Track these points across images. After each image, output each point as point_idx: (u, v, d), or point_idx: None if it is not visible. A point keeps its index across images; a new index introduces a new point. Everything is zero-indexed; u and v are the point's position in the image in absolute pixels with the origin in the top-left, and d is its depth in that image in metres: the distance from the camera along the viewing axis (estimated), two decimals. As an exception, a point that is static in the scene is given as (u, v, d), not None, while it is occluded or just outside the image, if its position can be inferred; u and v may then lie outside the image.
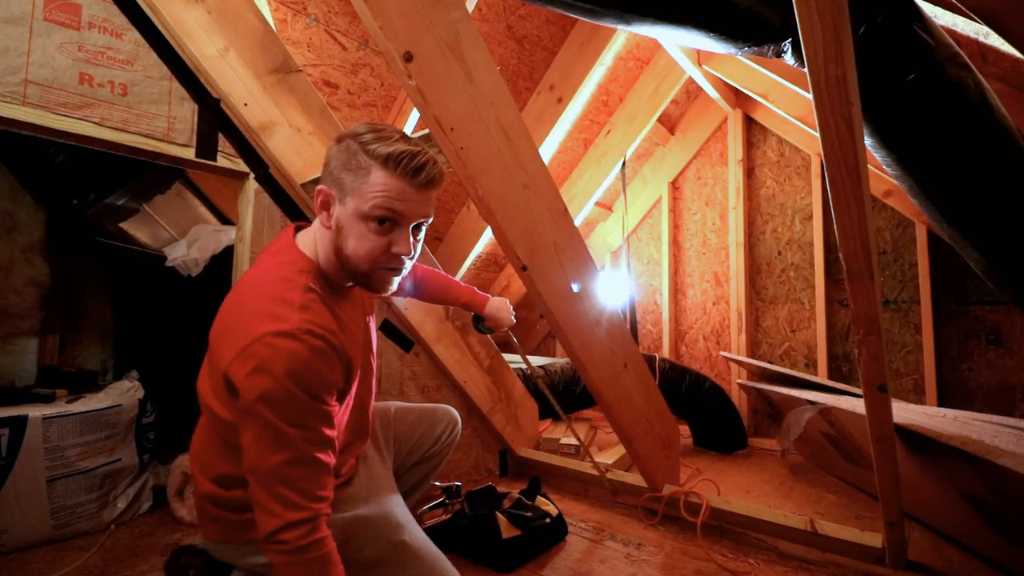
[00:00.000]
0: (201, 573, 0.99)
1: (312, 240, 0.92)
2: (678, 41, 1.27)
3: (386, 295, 0.95)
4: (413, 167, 0.84)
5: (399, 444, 1.27)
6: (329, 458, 0.80)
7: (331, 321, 0.84)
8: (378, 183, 0.83)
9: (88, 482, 1.52)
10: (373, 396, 1.11)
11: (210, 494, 0.90)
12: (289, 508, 0.74)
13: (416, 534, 1.01)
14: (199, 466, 0.93)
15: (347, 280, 0.94)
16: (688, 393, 2.63)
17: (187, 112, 1.46)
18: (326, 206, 0.88)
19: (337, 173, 0.86)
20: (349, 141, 0.86)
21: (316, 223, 0.93)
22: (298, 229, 0.98)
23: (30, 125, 1.24)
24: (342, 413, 0.94)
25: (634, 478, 1.85)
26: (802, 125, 2.65)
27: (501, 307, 1.45)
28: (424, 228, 0.92)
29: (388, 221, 0.85)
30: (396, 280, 0.93)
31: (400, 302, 1.80)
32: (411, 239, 0.89)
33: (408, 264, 0.91)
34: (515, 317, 1.49)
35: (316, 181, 1.50)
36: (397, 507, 1.05)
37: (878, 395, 1.18)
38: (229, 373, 0.77)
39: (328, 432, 0.80)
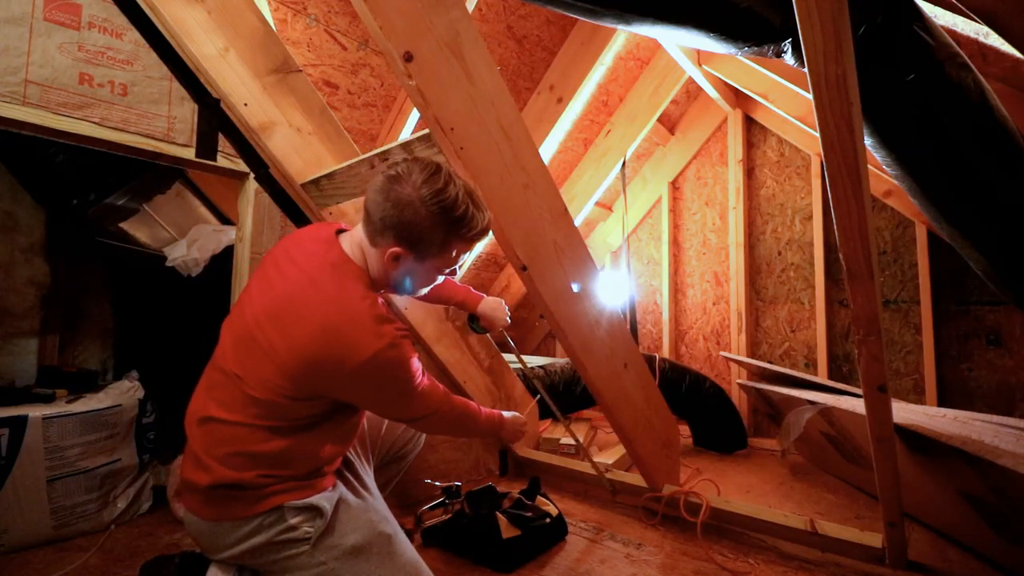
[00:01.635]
0: (177, 572, 1.00)
1: (360, 254, 1.01)
2: (678, 41, 1.27)
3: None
4: (481, 236, 1.01)
5: (374, 443, 1.31)
6: (430, 379, 1.06)
7: (397, 319, 0.98)
8: (456, 250, 1.00)
9: (88, 482, 1.52)
10: None
11: (223, 481, 0.92)
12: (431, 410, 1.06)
13: (399, 531, 1.05)
14: (208, 448, 0.94)
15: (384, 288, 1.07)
16: (688, 393, 2.63)
17: (187, 112, 1.46)
18: (397, 259, 0.97)
19: (417, 238, 0.95)
20: (440, 216, 0.94)
21: (359, 235, 1.01)
22: (338, 232, 1.06)
23: (30, 125, 1.24)
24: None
25: (634, 478, 1.85)
26: (802, 125, 2.65)
27: (496, 307, 1.48)
28: None
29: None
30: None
31: (400, 301, 1.80)
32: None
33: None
34: (512, 317, 1.50)
35: (316, 181, 1.51)
36: (381, 503, 1.11)
37: (878, 395, 1.18)
38: (346, 384, 0.93)
39: (428, 377, 1.06)
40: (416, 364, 1.00)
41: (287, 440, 0.94)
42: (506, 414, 1.30)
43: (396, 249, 0.95)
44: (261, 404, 0.93)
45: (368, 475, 1.18)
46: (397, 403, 1.02)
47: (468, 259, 3.13)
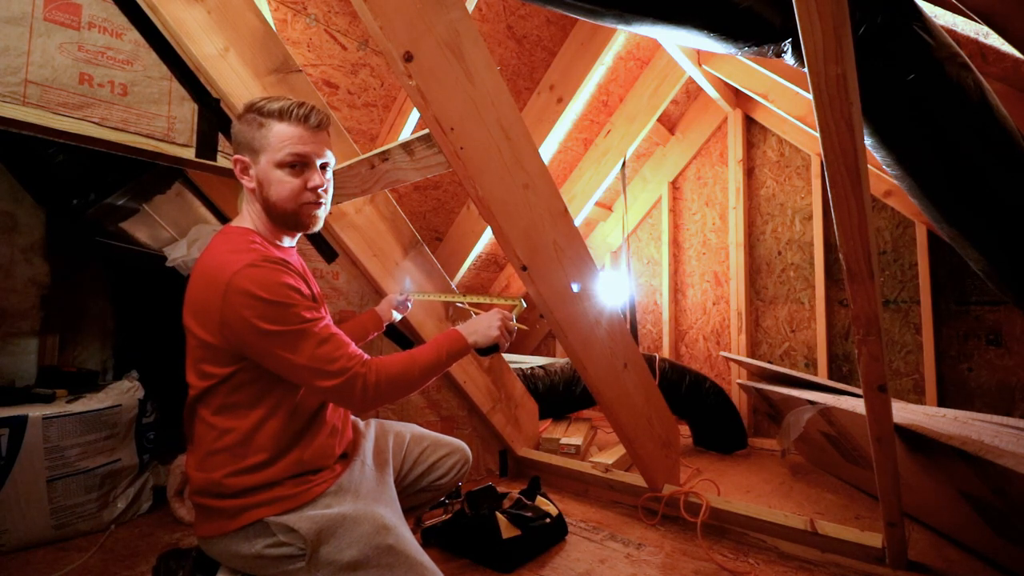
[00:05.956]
0: (190, 573, 1.02)
1: (245, 216, 1.06)
2: (678, 41, 1.27)
3: (317, 230, 1.10)
4: (303, 114, 1.01)
5: (408, 466, 1.28)
6: (337, 330, 0.98)
7: (277, 254, 0.98)
8: (281, 134, 1.00)
9: (88, 482, 1.52)
10: None
11: (198, 486, 0.97)
12: (345, 367, 0.94)
13: (405, 539, 1.00)
14: (192, 461, 1.00)
15: (281, 235, 1.07)
16: (688, 393, 2.63)
17: (187, 112, 1.45)
18: (245, 171, 1.03)
19: (245, 139, 1.02)
20: (245, 113, 1.03)
21: (243, 204, 1.07)
22: None
23: (30, 125, 1.23)
24: None
25: (634, 478, 1.85)
26: (802, 125, 2.65)
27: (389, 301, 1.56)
28: (330, 169, 1.08)
29: (298, 164, 1.02)
30: (321, 213, 1.07)
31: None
32: (321, 175, 1.04)
33: (327, 198, 1.07)
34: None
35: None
36: (388, 511, 1.04)
37: (878, 395, 1.18)
38: (226, 317, 0.90)
39: (323, 313, 0.99)
40: (296, 292, 0.93)
41: (234, 420, 0.95)
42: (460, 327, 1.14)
43: (236, 157, 1.03)
44: (197, 388, 0.97)
45: (378, 480, 1.13)
46: (283, 338, 0.91)
47: (464, 268, 3.13)
